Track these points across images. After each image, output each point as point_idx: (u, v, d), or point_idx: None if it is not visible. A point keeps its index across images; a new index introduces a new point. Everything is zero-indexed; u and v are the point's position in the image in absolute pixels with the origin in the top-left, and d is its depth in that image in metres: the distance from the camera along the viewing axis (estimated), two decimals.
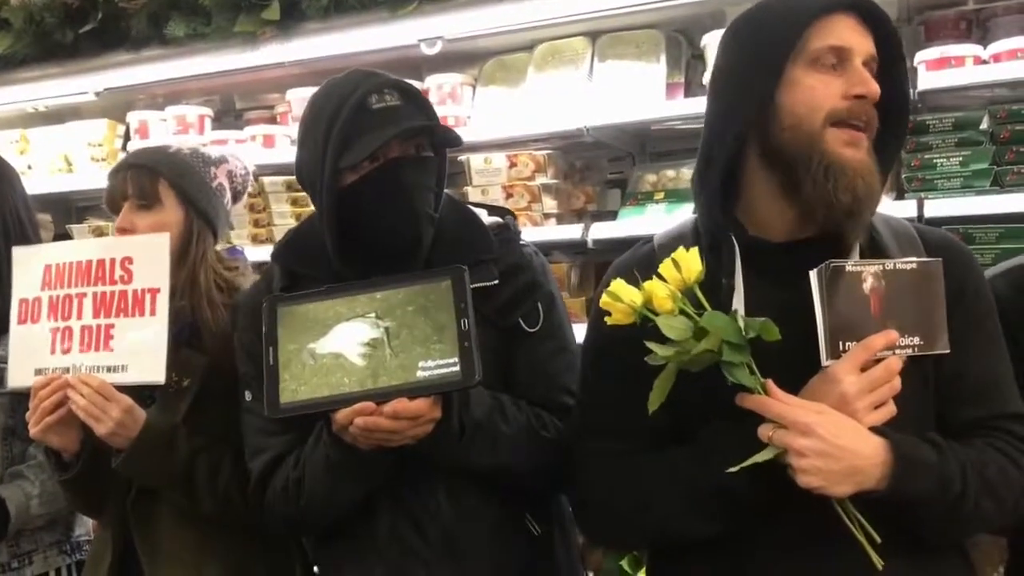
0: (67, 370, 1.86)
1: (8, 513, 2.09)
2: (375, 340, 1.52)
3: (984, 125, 2.55)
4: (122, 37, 3.40)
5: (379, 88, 1.64)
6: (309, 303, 1.58)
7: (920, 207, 2.46)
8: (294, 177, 3.16)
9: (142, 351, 1.84)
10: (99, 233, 3.53)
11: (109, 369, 1.85)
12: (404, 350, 1.51)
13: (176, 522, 1.93)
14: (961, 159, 2.52)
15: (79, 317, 1.90)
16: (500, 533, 1.68)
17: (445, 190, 1.76)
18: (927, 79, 2.53)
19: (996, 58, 2.55)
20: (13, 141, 3.70)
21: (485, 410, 1.58)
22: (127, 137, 3.64)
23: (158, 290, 1.85)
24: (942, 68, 2.56)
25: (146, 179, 1.98)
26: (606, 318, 1.39)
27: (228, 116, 3.80)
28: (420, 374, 1.49)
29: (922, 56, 2.61)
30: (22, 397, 2.04)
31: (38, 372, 1.89)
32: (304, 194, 3.22)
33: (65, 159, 3.65)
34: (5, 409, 2.12)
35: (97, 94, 3.51)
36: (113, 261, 1.89)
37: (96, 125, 3.64)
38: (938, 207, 2.46)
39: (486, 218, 1.78)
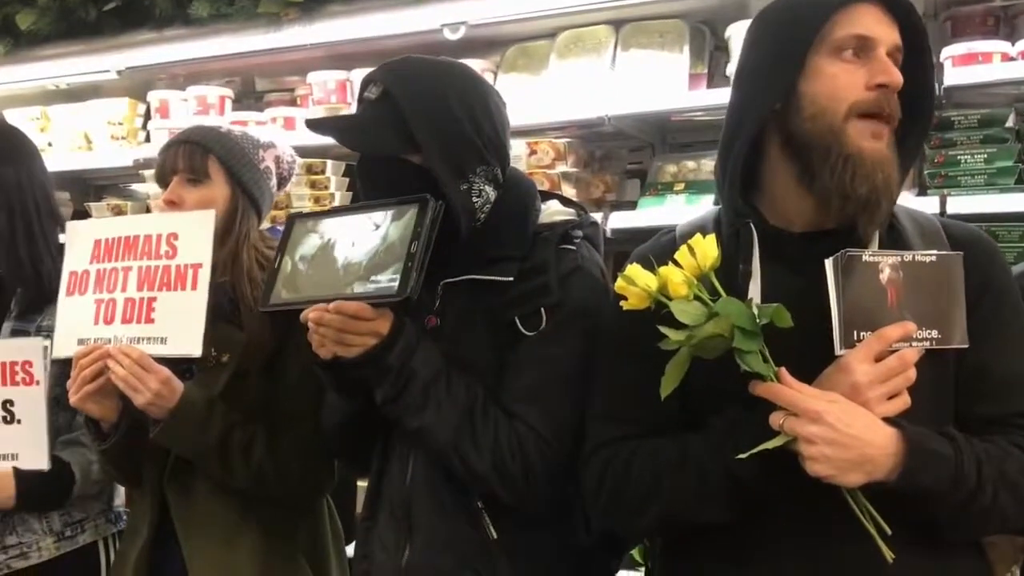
0: (108, 341, 1.90)
1: (72, 476, 2.14)
2: (349, 255, 1.64)
3: (1010, 122, 2.53)
4: (145, 16, 3.41)
5: (372, 79, 1.70)
6: (317, 219, 1.74)
7: (943, 204, 2.44)
8: (314, 160, 3.23)
9: (181, 324, 1.87)
10: (117, 212, 3.54)
11: (149, 341, 1.89)
12: (369, 264, 1.61)
13: (212, 495, 1.96)
14: (986, 156, 2.50)
15: (123, 290, 1.94)
16: (451, 521, 1.66)
17: (516, 175, 1.78)
18: (953, 75, 2.51)
19: None
20: (34, 118, 3.71)
21: (429, 370, 1.59)
22: (147, 116, 3.65)
23: (200, 265, 1.88)
24: (969, 64, 2.53)
25: (197, 155, 2.01)
26: (622, 303, 1.38)
27: (248, 98, 3.80)
28: (368, 286, 1.59)
29: (949, 52, 2.58)
30: (67, 367, 2.08)
31: (80, 342, 1.93)
32: (322, 177, 3.26)
33: (85, 137, 3.66)
34: (52, 379, 2.15)
35: (119, 73, 3.51)
36: (160, 236, 1.94)
37: (117, 104, 3.64)
38: (961, 204, 2.44)
39: (553, 212, 1.75)
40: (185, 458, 1.94)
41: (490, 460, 1.58)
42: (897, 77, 1.38)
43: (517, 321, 1.63)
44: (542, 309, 1.62)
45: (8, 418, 2.08)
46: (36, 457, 2.05)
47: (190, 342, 1.85)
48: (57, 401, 2.17)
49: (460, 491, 1.64)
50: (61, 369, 2.13)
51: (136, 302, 1.92)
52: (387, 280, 1.56)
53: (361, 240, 1.63)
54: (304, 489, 2.03)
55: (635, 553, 2.55)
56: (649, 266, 1.37)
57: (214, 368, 1.94)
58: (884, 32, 1.39)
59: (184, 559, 1.95)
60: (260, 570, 1.96)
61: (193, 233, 1.91)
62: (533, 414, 1.60)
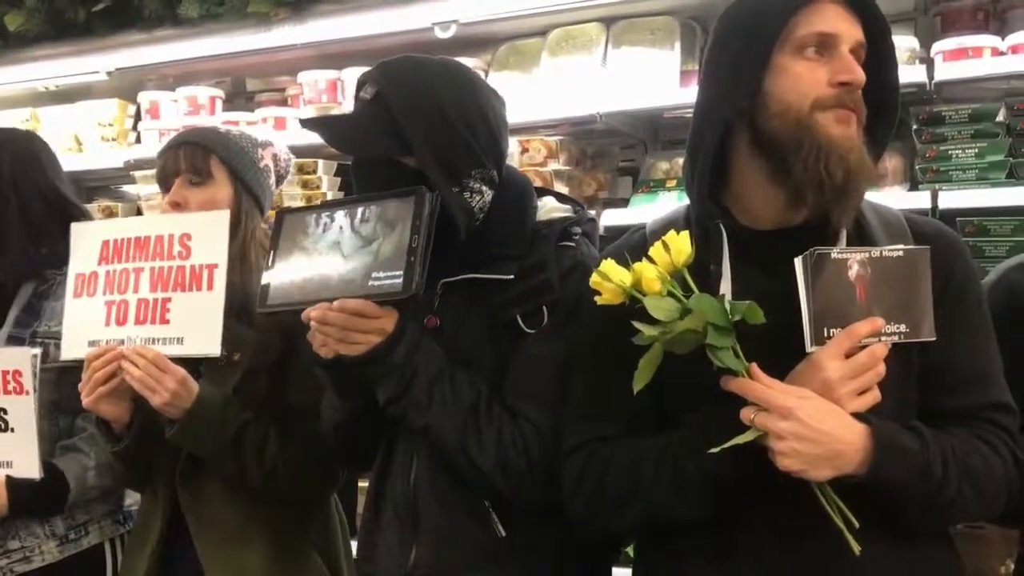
0: (121, 342, 1.90)
1: (67, 485, 2.13)
2: (348, 250, 1.63)
3: (1000, 117, 2.53)
4: (135, 17, 3.40)
5: (366, 79, 1.69)
6: (307, 215, 1.71)
7: (934, 199, 2.45)
8: (305, 160, 3.22)
9: (198, 324, 1.88)
10: (108, 213, 3.53)
11: (164, 341, 1.89)
12: (367, 261, 1.60)
13: (224, 493, 1.96)
14: (977, 151, 2.51)
15: (136, 291, 1.94)
16: (458, 521, 1.65)
17: (512, 173, 1.77)
18: (944, 70, 2.51)
19: (1014, 49, 2.53)
20: (24, 120, 3.69)
21: (433, 368, 1.59)
22: (138, 117, 3.64)
23: (216, 265, 1.89)
24: (959, 59, 2.54)
25: (199, 156, 2.02)
26: (596, 298, 1.39)
27: (239, 98, 3.80)
28: (371, 283, 1.57)
29: (939, 47, 2.59)
30: (66, 371, 2.10)
31: (91, 344, 1.93)
32: (314, 176, 3.25)
33: (75, 138, 3.65)
34: (50, 384, 2.14)
35: (109, 74, 3.50)
36: (172, 237, 1.94)
37: (107, 105, 3.63)
38: (952, 199, 2.45)
39: (550, 208, 1.75)
40: (198, 457, 1.94)
41: (495, 457, 1.58)
42: (859, 74, 1.38)
43: (519, 319, 1.63)
44: (543, 307, 1.63)
45: (2, 427, 2.07)
46: (28, 466, 2.04)
47: (208, 342, 1.86)
48: (57, 405, 2.17)
49: (466, 490, 1.64)
50: (60, 374, 2.14)
51: (150, 303, 1.92)
52: (390, 276, 1.55)
53: (358, 235, 1.63)
54: (316, 484, 2.04)
55: (631, 551, 2.56)
56: (624, 262, 1.38)
57: (225, 367, 1.94)
58: (846, 28, 1.40)
59: (196, 559, 1.95)
60: (274, 568, 1.96)
61: (207, 233, 1.91)
62: (536, 411, 1.60)
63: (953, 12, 2.74)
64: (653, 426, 1.46)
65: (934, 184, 2.51)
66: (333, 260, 1.63)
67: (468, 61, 3.09)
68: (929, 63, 2.57)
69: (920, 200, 2.45)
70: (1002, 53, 2.55)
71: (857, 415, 1.31)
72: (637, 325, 1.32)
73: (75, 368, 1.96)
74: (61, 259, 2.13)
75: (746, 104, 1.41)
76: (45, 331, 2.17)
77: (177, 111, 3.50)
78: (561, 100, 2.95)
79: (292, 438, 1.93)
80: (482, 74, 3.15)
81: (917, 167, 2.57)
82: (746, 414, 1.30)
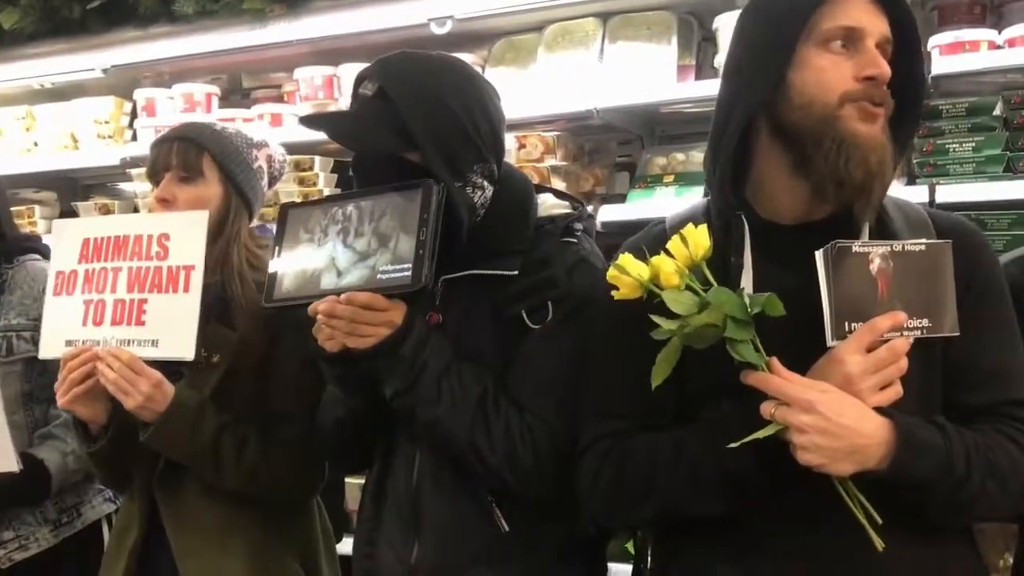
0: (97, 343, 1.88)
1: (48, 473, 2.15)
2: (354, 244, 1.62)
3: (998, 111, 2.53)
4: (130, 14, 3.39)
5: (366, 75, 1.68)
6: (313, 208, 1.70)
7: (932, 192, 2.44)
8: (301, 156, 3.21)
9: (173, 327, 1.86)
10: (105, 211, 3.52)
11: (140, 343, 1.87)
12: (375, 254, 1.59)
13: (203, 496, 1.95)
14: (974, 145, 2.50)
15: (113, 291, 1.92)
16: (462, 516, 1.65)
17: (510, 170, 1.77)
18: (940, 64, 2.51)
19: (1011, 43, 2.53)
20: (19, 118, 3.69)
21: (440, 361, 1.59)
22: (134, 115, 3.63)
23: (193, 267, 1.87)
24: (956, 53, 2.53)
25: (192, 152, 1.99)
26: (613, 292, 1.38)
27: (235, 95, 3.79)
28: (379, 276, 1.57)
29: (936, 40, 2.58)
30: (35, 362, 2.10)
31: (68, 343, 1.91)
32: (311, 173, 3.24)
33: (71, 136, 3.64)
34: (20, 375, 2.14)
35: (104, 71, 3.49)
36: (150, 237, 1.91)
37: (103, 102, 3.62)
38: (950, 193, 2.44)
39: (550, 205, 1.75)
40: (176, 461, 1.93)
41: (503, 451, 1.58)
42: (885, 69, 1.38)
43: (524, 314, 1.63)
44: (549, 302, 1.63)
45: None
46: (4, 460, 2.03)
47: (183, 345, 1.84)
48: (29, 395, 2.18)
49: (470, 486, 1.64)
50: (27, 365, 2.16)
51: (126, 303, 1.90)
52: (399, 269, 1.55)
53: (364, 229, 1.62)
54: (296, 488, 2.02)
55: (629, 546, 2.56)
56: (641, 256, 1.37)
57: (204, 369, 1.92)
58: (872, 23, 1.39)
59: (173, 561, 1.94)
60: (251, 572, 1.95)
61: (185, 234, 1.88)
62: (543, 406, 1.61)
63: (950, 6, 2.74)
64: (670, 421, 1.45)
65: (931, 178, 2.50)
66: (340, 254, 1.62)
67: (464, 57, 3.06)
68: (926, 57, 2.56)
69: (917, 194, 2.44)
70: (999, 47, 2.55)
71: (879, 410, 1.30)
72: (655, 319, 1.32)
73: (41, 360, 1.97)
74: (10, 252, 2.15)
75: (769, 96, 1.40)
76: (5, 325, 2.17)
77: (173, 108, 3.49)
78: (558, 96, 2.94)
79: (273, 441, 1.92)
80: (478, 70, 3.14)
81: (914, 161, 2.56)
82: (766, 408, 1.30)
